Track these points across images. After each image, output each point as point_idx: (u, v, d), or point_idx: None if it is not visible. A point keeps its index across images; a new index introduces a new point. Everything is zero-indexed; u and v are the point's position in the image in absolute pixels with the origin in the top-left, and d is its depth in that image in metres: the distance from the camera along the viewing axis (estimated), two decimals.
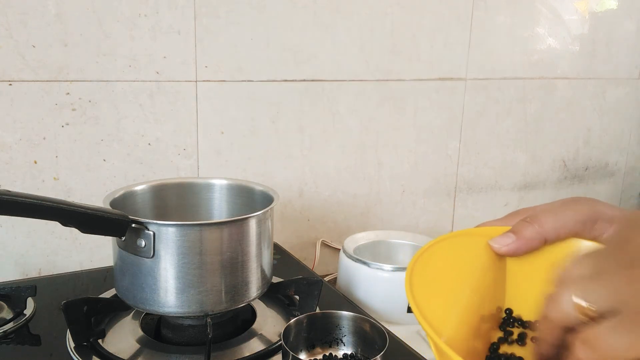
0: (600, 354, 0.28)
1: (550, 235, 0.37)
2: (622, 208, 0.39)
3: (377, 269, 0.83)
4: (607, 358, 0.28)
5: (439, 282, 0.36)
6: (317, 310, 0.69)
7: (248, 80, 0.93)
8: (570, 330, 0.31)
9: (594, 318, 0.29)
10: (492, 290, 0.38)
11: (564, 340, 0.31)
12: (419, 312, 0.32)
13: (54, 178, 0.84)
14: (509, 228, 0.38)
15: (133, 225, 0.58)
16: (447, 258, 0.38)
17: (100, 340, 0.63)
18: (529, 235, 0.37)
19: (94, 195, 0.85)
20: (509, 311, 0.40)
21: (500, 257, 0.39)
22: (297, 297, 0.72)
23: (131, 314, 0.69)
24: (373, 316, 0.66)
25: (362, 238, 0.94)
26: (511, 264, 0.39)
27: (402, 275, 0.82)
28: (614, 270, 0.30)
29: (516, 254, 0.38)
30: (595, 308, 0.29)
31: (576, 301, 0.30)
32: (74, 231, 0.58)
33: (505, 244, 0.38)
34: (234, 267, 0.62)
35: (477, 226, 0.41)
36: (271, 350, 0.63)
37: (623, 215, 0.38)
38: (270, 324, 0.69)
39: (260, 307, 0.72)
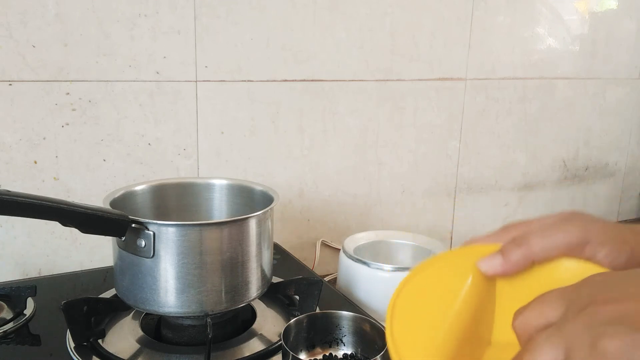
0: None
1: (539, 257, 0.38)
2: (616, 227, 0.38)
3: (377, 269, 0.83)
4: None
5: (421, 314, 0.37)
6: (317, 310, 0.69)
7: (248, 80, 0.93)
8: None
9: None
10: (479, 311, 0.38)
11: None
12: (393, 344, 0.33)
13: (54, 178, 0.84)
14: (498, 247, 0.39)
15: (133, 225, 0.58)
16: (431, 286, 0.39)
17: (100, 340, 0.63)
18: (516, 258, 0.38)
19: (94, 195, 0.85)
20: None
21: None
22: (297, 297, 0.72)
23: (131, 314, 0.69)
24: (373, 316, 0.66)
25: (362, 238, 0.94)
26: (500, 282, 0.40)
27: (402, 275, 0.81)
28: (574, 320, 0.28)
29: (504, 275, 0.39)
30: None
31: None
32: (74, 231, 0.58)
33: (492, 266, 0.38)
34: (234, 267, 0.62)
35: (468, 241, 0.42)
36: (271, 350, 0.63)
37: (611, 240, 0.37)
38: (270, 324, 0.69)
39: (260, 307, 0.72)
